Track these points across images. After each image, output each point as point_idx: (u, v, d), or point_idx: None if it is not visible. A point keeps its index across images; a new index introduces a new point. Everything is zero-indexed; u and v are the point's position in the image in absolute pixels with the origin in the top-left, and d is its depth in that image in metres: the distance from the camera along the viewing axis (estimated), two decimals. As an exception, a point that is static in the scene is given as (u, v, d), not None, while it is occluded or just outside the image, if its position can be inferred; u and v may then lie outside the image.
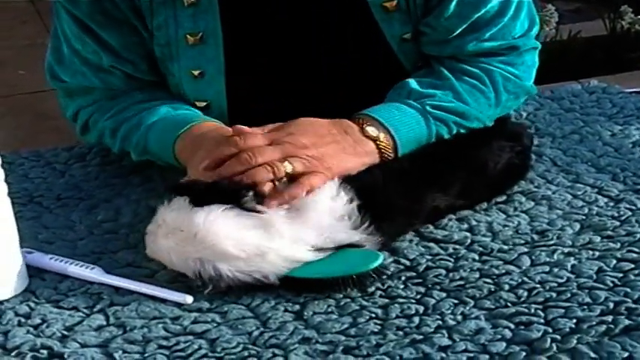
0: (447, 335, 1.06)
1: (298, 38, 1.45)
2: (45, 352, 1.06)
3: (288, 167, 1.24)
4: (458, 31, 1.41)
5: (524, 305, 1.11)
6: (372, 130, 1.33)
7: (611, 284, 1.15)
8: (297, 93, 1.44)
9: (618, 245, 1.23)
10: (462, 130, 1.40)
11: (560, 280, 1.16)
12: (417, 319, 1.09)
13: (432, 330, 1.07)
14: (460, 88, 1.41)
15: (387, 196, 1.26)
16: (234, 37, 1.41)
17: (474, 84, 1.42)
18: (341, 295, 1.15)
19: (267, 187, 1.21)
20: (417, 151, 1.36)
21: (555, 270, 1.18)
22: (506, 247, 1.24)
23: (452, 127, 1.39)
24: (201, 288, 1.16)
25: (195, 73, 1.41)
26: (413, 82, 1.42)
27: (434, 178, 1.30)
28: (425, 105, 1.38)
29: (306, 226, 1.19)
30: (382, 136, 1.33)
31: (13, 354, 1.06)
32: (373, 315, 1.11)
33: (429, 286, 1.16)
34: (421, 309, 1.12)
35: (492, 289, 1.15)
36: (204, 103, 1.44)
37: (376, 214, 1.22)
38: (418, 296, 1.14)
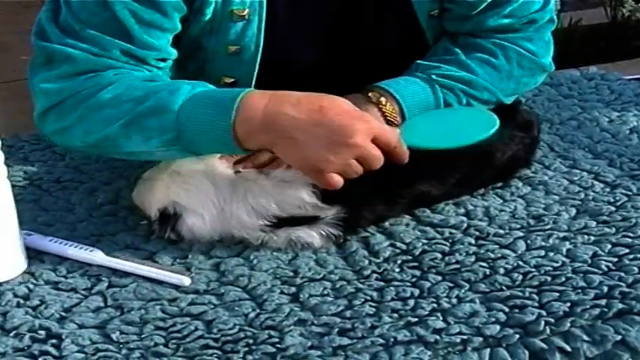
0: (441, 318, 1.07)
1: (338, 20, 1.45)
2: (43, 332, 1.07)
3: None
4: (481, 7, 1.42)
5: (518, 289, 1.12)
6: (373, 95, 1.35)
7: (606, 269, 1.15)
8: (327, 74, 1.44)
9: (613, 230, 1.24)
10: (473, 101, 1.41)
11: (555, 264, 1.17)
12: (412, 302, 1.10)
13: (426, 313, 1.08)
14: (468, 60, 1.42)
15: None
16: (275, 16, 1.40)
17: (485, 58, 1.43)
18: (337, 278, 1.16)
19: None
20: None
21: (551, 254, 1.19)
22: (502, 232, 1.25)
23: (460, 96, 1.40)
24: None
25: (233, 49, 1.40)
26: (421, 61, 1.43)
27: (433, 165, 1.31)
28: (430, 74, 1.39)
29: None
30: (384, 100, 1.35)
31: (11, 334, 1.07)
32: (368, 297, 1.11)
33: (425, 269, 1.17)
34: (416, 292, 1.12)
35: (488, 273, 1.16)
36: (232, 80, 1.42)
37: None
38: (414, 279, 1.15)
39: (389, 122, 1.34)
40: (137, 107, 1.22)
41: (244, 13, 1.36)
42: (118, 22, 1.26)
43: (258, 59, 1.40)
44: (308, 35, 1.45)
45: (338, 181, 1.17)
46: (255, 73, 1.41)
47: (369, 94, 1.36)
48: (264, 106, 1.18)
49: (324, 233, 1.22)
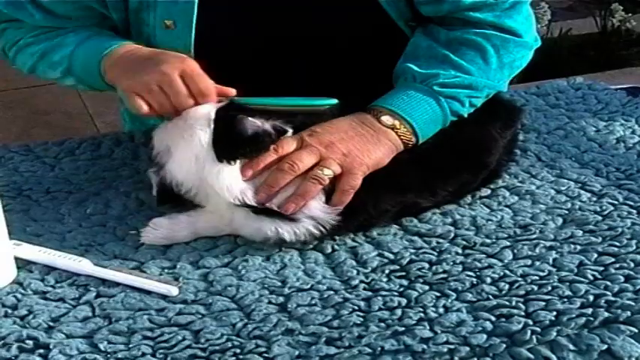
0: (428, 327, 1.07)
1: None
2: (31, 342, 1.07)
3: (328, 173, 1.26)
4: None
5: (505, 298, 1.12)
6: (387, 119, 1.34)
7: (592, 277, 1.16)
8: (272, 53, 1.44)
9: (600, 239, 1.25)
10: (476, 102, 1.41)
11: (541, 274, 1.17)
12: (399, 312, 1.11)
13: (414, 322, 1.08)
14: (460, 61, 1.41)
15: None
16: None
17: (473, 53, 1.43)
18: (325, 288, 1.16)
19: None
20: (425, 147, 1.37)
21: (537, 263, 1.20)
22: (489, 241, 1.26)
23: (464, 101, 1.40)
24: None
25: (168, 23, 1.42)
26: (413, 66, 1.42)
27: (428, 182, 1.33)
28: (432, 86, 1.39)
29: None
30: (398, 123, 1.34)
31: (-1, 344, 1.07)
32: (356, 307, 1.12)
33: (412, 279, 1.18)
34: (404, 301, 1.13)
35: (474, 282, 1.16)
36: None
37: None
38: (401, 289, 1.16)
39: (405, 144, 1.34)
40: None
41: None
42: None
43: (193, 34, 1.42)
44: (244, 12, 1.46)
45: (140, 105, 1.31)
46: (193, 49, 1.43)
47: (382, 118, 1.34)
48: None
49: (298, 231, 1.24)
